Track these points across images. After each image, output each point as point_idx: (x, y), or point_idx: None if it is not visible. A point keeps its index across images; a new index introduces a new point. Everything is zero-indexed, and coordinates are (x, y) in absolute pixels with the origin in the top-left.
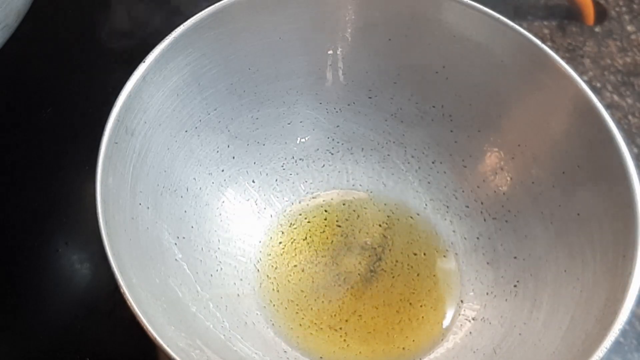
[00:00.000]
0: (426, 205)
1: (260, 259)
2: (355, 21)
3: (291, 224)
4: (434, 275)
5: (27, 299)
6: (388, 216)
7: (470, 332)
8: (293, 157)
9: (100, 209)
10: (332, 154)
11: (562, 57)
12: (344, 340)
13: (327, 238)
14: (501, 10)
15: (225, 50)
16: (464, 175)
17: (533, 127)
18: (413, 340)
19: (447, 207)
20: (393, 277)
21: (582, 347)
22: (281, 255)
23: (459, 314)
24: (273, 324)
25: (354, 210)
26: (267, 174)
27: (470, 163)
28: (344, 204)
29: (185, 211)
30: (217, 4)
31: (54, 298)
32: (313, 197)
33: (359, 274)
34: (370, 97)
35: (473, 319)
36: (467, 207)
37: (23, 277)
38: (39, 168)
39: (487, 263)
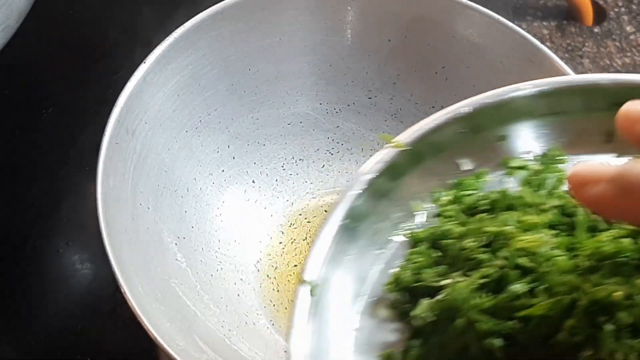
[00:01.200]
0: None
1: (260, 259)
2: (355, 22)
3: (291, 224)
4: None
5: (28, 299)
6: None
7: None
8: (293, 158)
9: (101, 209)
10: (332, 154)
11: (561, 58)
12: None
13: None
14: (500, 11)
15: (225, 50)
16: None
17: None
18: None
19: None
20: None
21: None
22: (281, 255)
23: None
24: (273, 324)
25: None
26: (267, 174)
27: None
28: None
29: (186, 211)
30: (217, 5)
31: (55, 298)
32: (313, 197)
33: None
34: (370, 98)
35: None
36: None
37: (24, 277)
38: (40, 168)
39: None
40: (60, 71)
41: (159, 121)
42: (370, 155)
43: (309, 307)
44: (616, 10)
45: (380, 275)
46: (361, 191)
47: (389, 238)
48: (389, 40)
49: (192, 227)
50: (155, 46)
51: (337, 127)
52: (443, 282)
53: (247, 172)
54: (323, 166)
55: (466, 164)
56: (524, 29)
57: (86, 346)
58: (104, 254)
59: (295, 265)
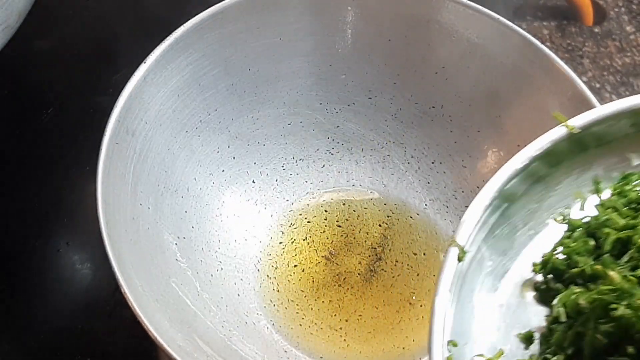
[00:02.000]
0: (426, 205)
1: (260, 259)
2: (355, 22)
3: (291, 224)
4: (434, 275)
5: (28, 299)
6: (388, 216)
7: None
8: (293, 158)
9: (101, 209)
10: (332, 154)
11: (561, 58)
12: (344, 340)
13: (327, 238)
14: (500, 11)
15: (225, 51)
16: (463, 176)
17: (532, 127)
18: (413, 340)
19: (447, 207)
20: (393, 277)
21: None
22: (281, 255)
23: None
24: (273, 324)
25: (354, 211)
26: (267, 174)
27: (470, 163)
28: (344, 204)
29: (186, 211)
30: (217, 5)
31: (55, 298)
32: (313, 197)
33: (359, 274)
34: (370, 98)
35: None
36: (467, 207)
37: (24, 277)
38: (40, 168)
39: None
40: (61, 71)
41: (159, 121)
42: (371, 156)
43: (455, 272)
44: (616, 10)
45: (530, 256)
46: (518, 168)
47: (544, 221)
48: (389, 40)
49: (192, 227)
50: (155, 46)
51: (337, 127)
52: (610, 273)
53: (247, 172)
54: (323, 166)
55: (634, 159)
56: (524, 29)
57: (86, 346)
58: (104, 254)
59: (295, 265)
